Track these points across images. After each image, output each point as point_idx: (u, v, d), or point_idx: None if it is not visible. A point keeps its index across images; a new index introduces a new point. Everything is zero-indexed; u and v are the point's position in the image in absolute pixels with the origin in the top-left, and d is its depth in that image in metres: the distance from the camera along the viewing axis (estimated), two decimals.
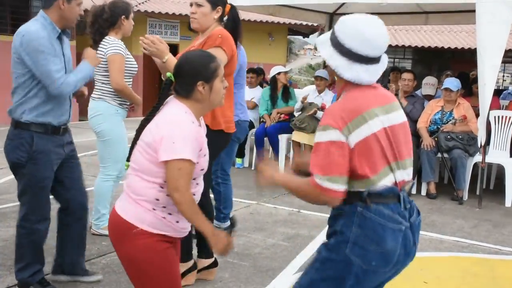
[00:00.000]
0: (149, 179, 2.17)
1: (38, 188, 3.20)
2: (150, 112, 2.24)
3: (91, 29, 4.31)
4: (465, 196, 6.22)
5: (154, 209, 2.17)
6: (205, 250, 3.55)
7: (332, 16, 8.92)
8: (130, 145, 2.33)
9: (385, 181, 2.01)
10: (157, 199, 2.17)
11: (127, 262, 2.22)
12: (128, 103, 4.36)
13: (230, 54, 3.22)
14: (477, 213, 5.73)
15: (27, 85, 3.13)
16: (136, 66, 4.41)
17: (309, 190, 2.02)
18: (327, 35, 2.10)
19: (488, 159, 6.09)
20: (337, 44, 2.02)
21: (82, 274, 3.48)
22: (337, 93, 2.11)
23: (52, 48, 3.09)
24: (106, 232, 4.31)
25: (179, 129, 2.12)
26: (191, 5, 3.46)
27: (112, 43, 4.18)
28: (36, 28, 3.08)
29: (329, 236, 2.12)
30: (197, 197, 2.33)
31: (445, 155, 6.26)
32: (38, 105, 3.14)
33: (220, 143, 3.52)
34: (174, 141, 2.10)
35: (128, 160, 2.29)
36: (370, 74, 2.02)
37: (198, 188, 2.32)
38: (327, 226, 2.16)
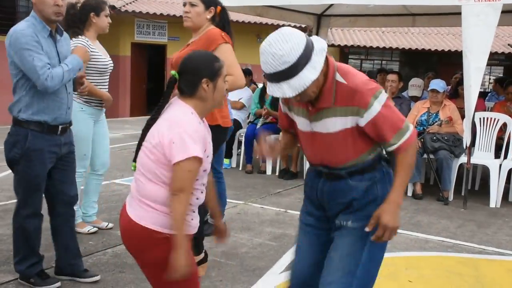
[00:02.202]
0: (159, 180, 2.15)
1: (30, 185, 3.27)
2: (155, 111, 2.24)
3: (64, 25, 4.30)
4: (451, 196, 6.28)
5: (161, 211, 2.16)
6: (195, 247, 3.57)
7: (320, 18, 8.96)
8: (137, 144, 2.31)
9: None
10: (163, 200, 2.16)
11: (154, 268, 2.20)
12: (98, 101, 4.30)
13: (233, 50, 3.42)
14: (462, 213, 5.79)
15: (21, 84, 3.20)
16: (107, 63, 4.34)
17: (413, 149, 2.16)
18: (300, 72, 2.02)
19: (473, 160, 6.16)
20: (288, 73, 1.99)
21: (80, 275, 3.52)
22: (328, 83, 2.12)
23: (37, 45, 3.11)
24: (79, 230, 4.30)
25: (187, 129, 2.12)
26: (184, 4, 3.57)
27: (76, 40, 4.13)
28: (22, 27, 3.14)
29: (363, 208, 2.22)
30: (202, 200, 2.33)
31: (431, 156, 6.32)
32: (33, 103, 3.20)
33: (219, 138, 3.57)
34: (184, 141, 2.10)
35: (134, 160, 2.27)
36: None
37: (204, 191, 2.32)
38: (351, 204, 2.24)
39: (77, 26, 4.24)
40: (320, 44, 2.05)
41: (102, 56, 4.31)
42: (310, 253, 2.38)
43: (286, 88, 2.00)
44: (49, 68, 3.11)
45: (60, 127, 3.31)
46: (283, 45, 1.96)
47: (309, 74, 1.99)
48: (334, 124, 2.15)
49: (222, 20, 3.66)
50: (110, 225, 4.62)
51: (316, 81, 2.04)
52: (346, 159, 2.21)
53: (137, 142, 2.30)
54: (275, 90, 2.03)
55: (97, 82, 4.27)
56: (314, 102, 2.15)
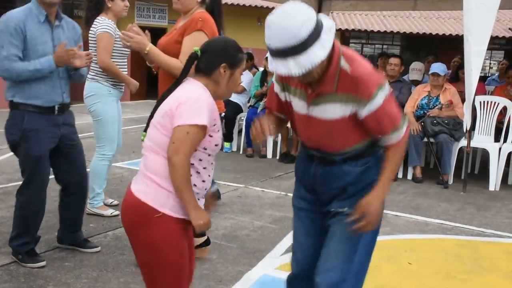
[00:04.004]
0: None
1: (32, 164, 3.33)
2: (171, 86, 2.20)
3: (84, 10, 4.39)
4: (450, 180, 6.30)
5: (167, 191, 2.11)
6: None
7: (321, 1, 8.91)
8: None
9: None
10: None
11: (142, 247, 2.16)
12: (122, 84, 4.39)
13: (211, 37, 3.18)
14: (462, 196, 5.82)
15: None
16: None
17: (405, 145, 2.18)
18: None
19: (473, 144, 6.17)
20: (297, 49, 1.89)
21: (81, 245, 3.68)
22: (332, 67, 2.03)
23: (15, 34, 3.13)
24: (101, 212, 4.47)
25: (196, 97, 2.10)
26: None
27: (102, 23, 4.22)
28: (14, 11, 3.19)
29: (356, 194, 2.18)
30: (208, 184, 2.27)
31: (431, 139, 6.33)
32: (24, 87, 3.25)
33: None
34: (191, 106, 2.06)
35: (145, 131, 2.23)
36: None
37: (212, 170, 2.28)
38: (345, 189, 2.21)
39: (91, 11, 4.29)
40: (328, 23, 1.95)
41: None
42: (307, 239, 2.35)
43: (293, 65, 1.89)
44: (13, 61, 3.14)
45: (56, 106, 3.35)
46: (294, 18, 1.86)
47: (318, 52, 1.89)
48: (333, 110, 2.08)
49: (212, 2, 3.52)
50: (115, 201, 4.71)
51: (321, 62, 1.94)
52: (343, 146, 2.17)
53: (138, 126, 2.29)
54: (280, 66, 1.92)
55: (119, 65, 4.33)
56: (314, 85, 2.07)
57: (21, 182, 3.43)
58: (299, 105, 2.18)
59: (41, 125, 3.29)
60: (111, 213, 4.48)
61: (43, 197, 3.42)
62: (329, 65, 2.01)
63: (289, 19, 1.86)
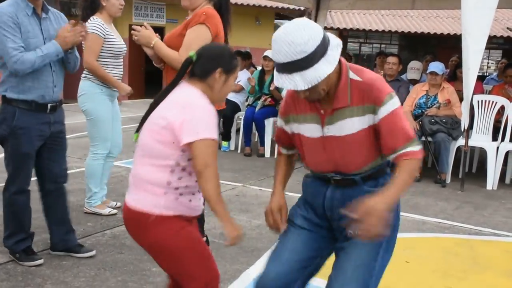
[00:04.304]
0: (160, 163, 2.13)
1: (18, 161, 3.32)
2: (164, 91, 2.21)
3: (80, 9, 4.38)
4: (448, 179, 6.31)
5: (165, 193, 2.14)
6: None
7: (320, 0, 8.92)
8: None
9: None
10: (169, 182, 2.14)
11: (154, 251, 2.21)
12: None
13: (214, 32, 3.17)
14: (459, 195, 5.83)
15: (1, 64, 3.23)
16: (122, 46, 4.39)
17: (415, 167, 2.03)
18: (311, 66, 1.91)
19: (471, 143, 6.18)
20: (303, 64, 1.89)
21: (75, 250, 3.61)
22: (342, 81, 2.02)
23: (14, 27, 3.11)
24: (100, 211, 4.45)
25: (201, 111, 2.12)
26: None
27: (91, 23, 4.19)
28: (2, 6, 3.15)
29: None
30: None
31: (429, 138, 6.34)
32: (17, 83, 3.23)
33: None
34: (198, 122, 2.09)
35: (137, 131, 2.24)
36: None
37: None
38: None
39: (86, 10, 4.27)
40: (335, 40, 1.96)
41: (117, 39, 4.35)
42: (299, 256, 2.18)
43: (299, 80, 1.88)
44: (21, 52, 3.12)
45: (49, 105, 3.33)
46: (301, 33, 1.86)
47: (325, 67, 1.89)
48: (352, 125, 2.03)
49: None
50: (117, 206, 4.67)
51: (327, 78, 1.94)
52: (364, 162, 2.10)
53: (136, 125, 2.29)
54: (286, 81, 1.92)
55: (112, 65, 4.30)
56: (326, 105, 2.05)
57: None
58: (311, 130, 2.13)
59: (31, 123, 3.27)
60: (109, 212, 4.47)
61: (28, 192, 3.42)
62: (339, 80, 2.02)
63: (296, 34, 1.87)
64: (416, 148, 2.02)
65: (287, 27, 1.91)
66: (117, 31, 4.48)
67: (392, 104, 2.00)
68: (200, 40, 3.01)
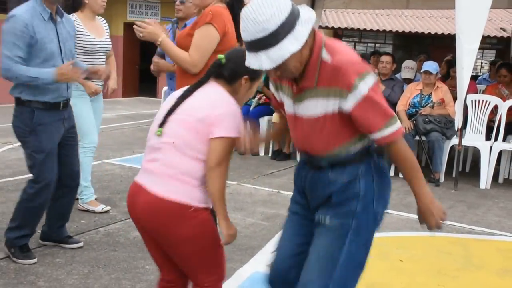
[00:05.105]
0: (196, 155, 2.13)
1: (42, 157, 3.36)
2: (191, 88, 2.23)
3: (62, 6, 4.35)
4: (442, 178, 6.33)
5: (199, 185, 2.15)
6: None
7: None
8: (160, 119, 2.23)
9: None
10: (202, 175, 2.15)
11: (183, 242, 2.17)
12: (95, 80, 4.29)
13: (222, 31, 3.09)
14: (453, 194, 5.85)
15: None
16: (96, 43, 4.37)
17: (403, 143, 1.99)
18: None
19: (465, 142, 6.20)
20: (266, 42, 1.81)
21: (64, 241, 3.70)
22: (313, 58, 1.93)
23: (21, 34, 3.15)
24: (92, 208, 4.45)
25: (233, 109, 2.19)
26: None
27: None
28: (21, 11, 3.21)
29: (342, 203, 2.03)
30: None
31: (423, 137, 6.35)
32: (30, 86, 3.28)
33: None
34: (230, 119, 2.16)
35: (160, 126, 2.20)
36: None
37: None
38: (330, 198, 2.05)
39: (68, 7, 4.27)
40: (306, 14, 1.84)
41: (90, 36, 4.33)
42: (291, 243, 2.22)
43: (264, 59, 1.82)
44: (15, 62, 3.16)
45: (61, 103, 3.44)
46: (264, 10, 1.78)
47: (290, 46, 1.79)
48: (315, 107, 1.95)
49: None
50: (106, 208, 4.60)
51: (299, 55, 1.85)
52: (327, 147, 2.02)
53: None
54: (252, 60, 1.85)
55: (87, 62, 4.24)
56: (298, 81, 1.97)
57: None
58: (287, 104, 2.10)
59: (49, 120, 3.36)
60: (102, 209, 4.47)
61: (50, 192, 3.44)
62: (310, 58, 1.91)
63: (259, 11, 1.78)
64: (394, 128, 1.92)
65: (253, 4, 1.81)
66: (104, 29, 4.49)
67: (364, 85, 1.85)
68: (207, 41, 3.02)
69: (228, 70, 2.26)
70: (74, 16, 4.23)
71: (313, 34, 1.91)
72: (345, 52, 1.92)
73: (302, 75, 1.95)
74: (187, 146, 2.13)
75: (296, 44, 1.80)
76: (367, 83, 1.86)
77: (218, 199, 2.15)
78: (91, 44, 4.33)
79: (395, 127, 1.93)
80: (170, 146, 2.15)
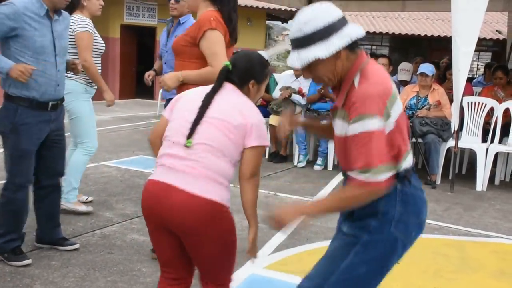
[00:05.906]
0: (229, 159, 2.22)
1: (19, 158, 3.33)
2: (209, 96, 2.26)
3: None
4: (438, 180, 6.35)
5: (227, 186, 2.27)
6: None
7: (311, 1, 8.94)
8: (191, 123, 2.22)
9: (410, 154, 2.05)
10: (231, 177, 2.27)
11: (216, 240, 2.23)
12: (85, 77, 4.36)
13: (224, 35, 3.24)
14: (449, 196, 5.86)
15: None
16: (104, 45, 4.50)
17: (354, 195, 1.90)
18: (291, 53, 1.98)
19: (461, 144, 6.22)
20: (300, 42, 1.92)
21: (59, 243, 3.67)
22: (346, 79, 1.97)
23: (5, 22, 3.12)
24: (78, 208, 4.43)
25: (261, 118, 2.29)
26: None
27: (80, 21, 4.23)
28: (17, 2, 3.19)
29: (361, 218, 2.03)
30: None
31: (419, 140, 6.37)
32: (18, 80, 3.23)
33: None
34: (261, 128, 2.27)
35: (189, 137, 2.21)
36: (348, 32, 1.93)
37: None
38: (353, 212, 2.04)
39: (68, 10, 4.27)
40: (350, 30, 1.91)
41: (100, 39, 4.44)
42: (327, 260, 2.16)
43: (296, 57, 1.94)
44: None
45: (50, 103, 3.38)
46: (308, 14, 1.91)
47: (318, 51, 1.87)
48: (341, 127, 1.99)
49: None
50: (90, 198, 4.77)
51: (331, 65, 1.91)
52: (350, 166, 1.99)
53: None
54: (291, 56, 1.99)
55: (98, 64, 4.36)
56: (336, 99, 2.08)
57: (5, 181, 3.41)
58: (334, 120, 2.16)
59: (32, 120, 3.31)
60: (86, 210, 4.45)
61: (27, 192, 3.42)
62: (345, 78, 1.96)
63: (304, 13, 1.93)
64: (371, 178, 1.84)
65: (307, 8, 1.96)
66: (104, 31, 4.55)
67: (361, 126, 1.85)
68: (220, 46, 3.20)
69: (236, 76, 2.34)
70: (86, 18, 4.26)
71: (356, 54, 1.96)
72: (374, 83, 1.90)
73: (338, 93, 2.02)
74: (221, 149, 2.20)
75: (324, 51, 1.89)
76: (367, 126, 1.84)
77: (251, 207, 2.30)
78: (101, 46, 4.44)
79: (372, 179, 1.85)
80: (204, 147, 2.19)
